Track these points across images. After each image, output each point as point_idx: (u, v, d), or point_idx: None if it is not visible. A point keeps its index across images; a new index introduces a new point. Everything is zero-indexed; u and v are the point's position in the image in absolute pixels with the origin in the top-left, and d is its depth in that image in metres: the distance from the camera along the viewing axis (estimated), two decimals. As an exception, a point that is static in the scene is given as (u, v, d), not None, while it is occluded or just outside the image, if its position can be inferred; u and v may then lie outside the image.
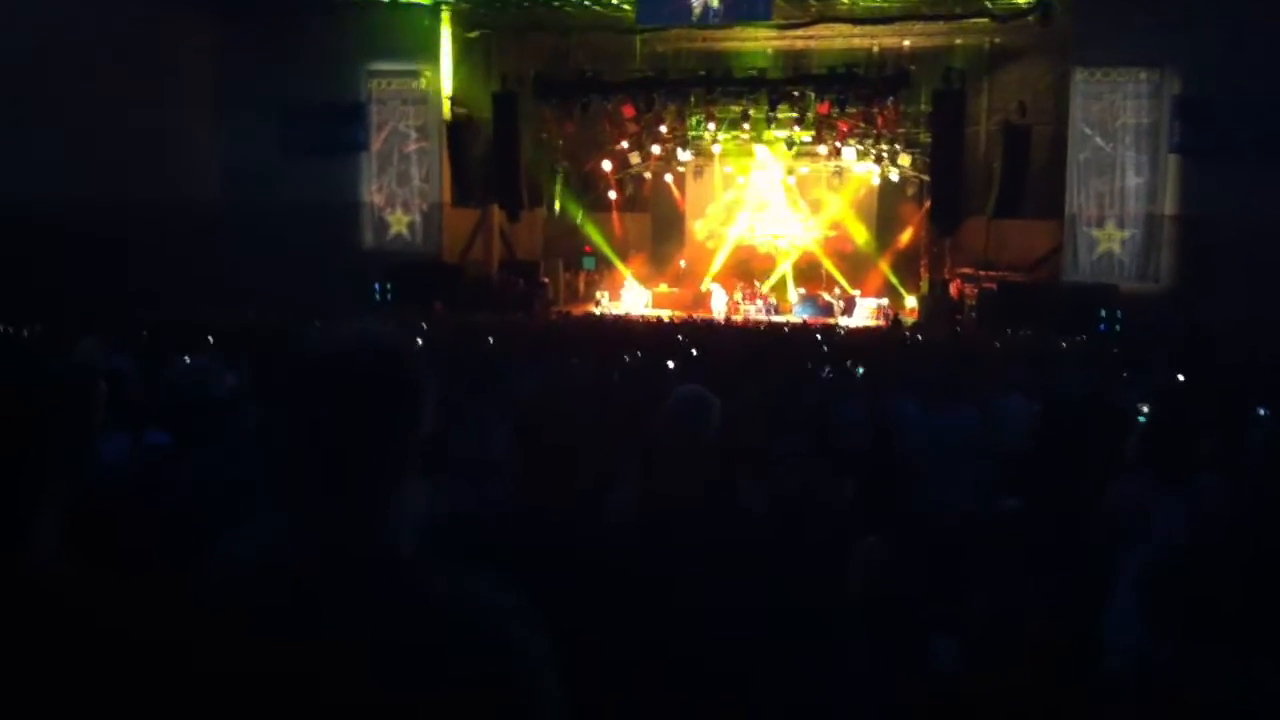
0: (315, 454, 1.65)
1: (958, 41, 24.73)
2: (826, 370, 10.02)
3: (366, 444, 1.64)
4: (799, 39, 25.62)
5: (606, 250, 28.85)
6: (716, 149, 26.61)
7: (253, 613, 1.60)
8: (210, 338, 11.36)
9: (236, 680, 1.53)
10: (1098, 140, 22.00)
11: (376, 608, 1.59)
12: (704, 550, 2.56)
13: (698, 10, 22.83)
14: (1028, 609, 3.51)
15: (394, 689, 1.54)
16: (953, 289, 24.29)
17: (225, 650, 1.55)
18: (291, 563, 1.64)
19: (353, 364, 1.68)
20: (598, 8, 24.82)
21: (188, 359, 8.72)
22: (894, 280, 26.57)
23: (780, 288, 26.75)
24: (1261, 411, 7.52)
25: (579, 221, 28.98)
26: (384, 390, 1.66)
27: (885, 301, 25.30)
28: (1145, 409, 7.13)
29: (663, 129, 26.42)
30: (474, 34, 26.18)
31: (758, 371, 8.85)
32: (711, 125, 25.62)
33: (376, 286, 24.29)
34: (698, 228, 28.63)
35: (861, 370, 9.70)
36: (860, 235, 27.26)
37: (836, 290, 25.84)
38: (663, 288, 27.74)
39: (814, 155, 26.25)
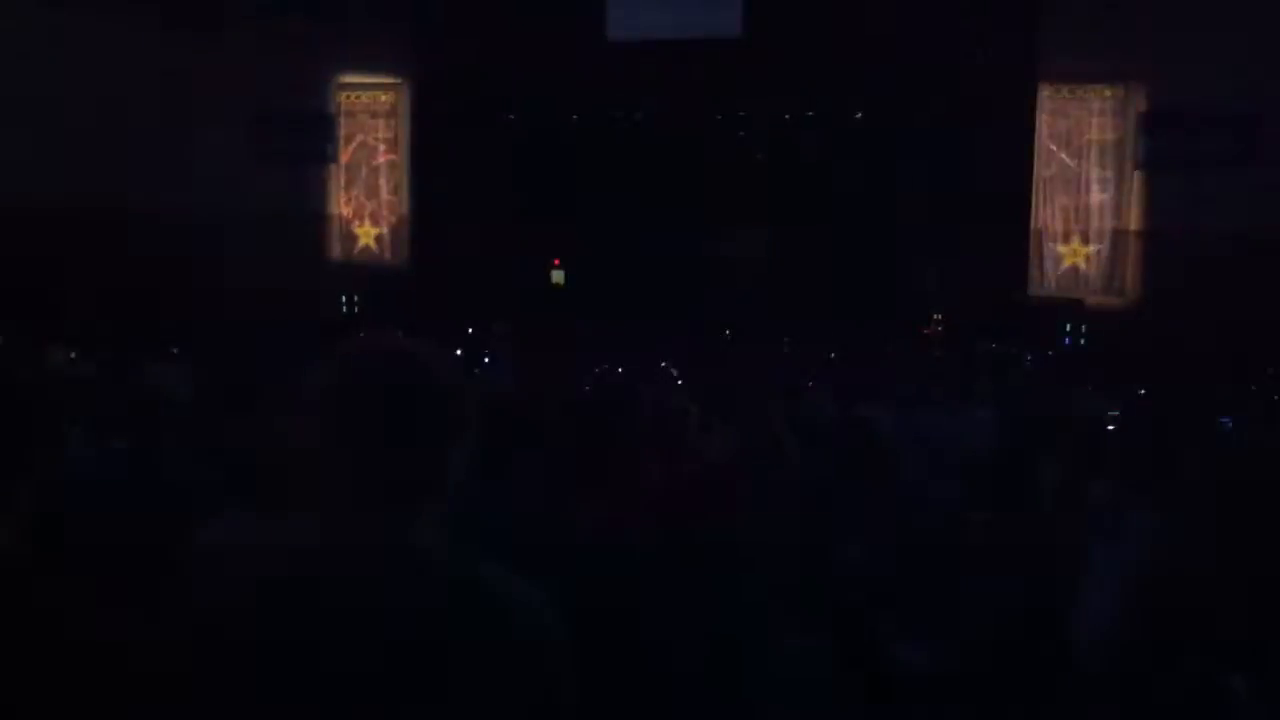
0: (355, 458, 1.67)
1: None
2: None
3: (413, 452, 1.68)
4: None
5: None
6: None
7: (269, 614, 1.60)
8: (175, 349, 11.26)
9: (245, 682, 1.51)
10: (1063, 156, 22.18)
11: (416, 605, 1.61)
12: (686, 548, 2.55)
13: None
14: (999, 612, 3.50)
15: (436, 683, 1.56)
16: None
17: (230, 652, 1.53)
18: (319, 564, 1.64)
19: (404, 374, 1.71)
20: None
21: (151, 367, 8.63)
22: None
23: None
24: (1226, 422, 7.58)
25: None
26: (434, 402, 1.70)
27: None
28: (1111, 418, 7.19)
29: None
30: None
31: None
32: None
33: (343, 299, 24.14)
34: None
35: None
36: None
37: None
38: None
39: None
